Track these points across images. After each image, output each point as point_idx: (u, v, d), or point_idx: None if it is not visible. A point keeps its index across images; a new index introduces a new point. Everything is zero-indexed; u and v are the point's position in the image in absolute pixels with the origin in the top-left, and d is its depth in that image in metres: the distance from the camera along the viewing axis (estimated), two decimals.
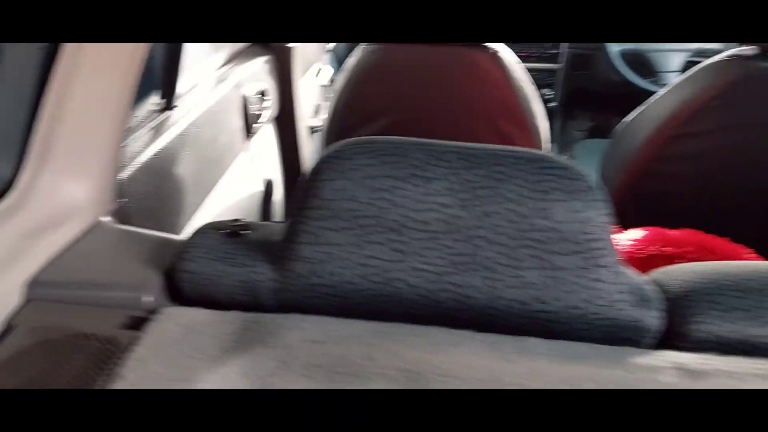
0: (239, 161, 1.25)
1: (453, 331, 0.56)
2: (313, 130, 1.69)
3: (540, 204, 0.55)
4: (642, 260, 0.81)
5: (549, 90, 1.98)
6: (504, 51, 1.25)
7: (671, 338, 0.57)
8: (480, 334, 0.56)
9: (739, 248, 0.87)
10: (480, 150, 0.57)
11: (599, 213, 0.55)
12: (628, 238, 0.85)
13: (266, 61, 1.45)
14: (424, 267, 0.56)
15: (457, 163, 0.56)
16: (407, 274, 0.57)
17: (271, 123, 1.46)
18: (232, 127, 1.20)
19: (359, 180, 0.56)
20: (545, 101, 1.95)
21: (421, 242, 0.56)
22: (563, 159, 0.57)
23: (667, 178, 1.37)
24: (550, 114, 2.05)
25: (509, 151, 0.57)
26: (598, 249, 0.55)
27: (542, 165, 0.56)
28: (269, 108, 1.38)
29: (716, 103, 1.26)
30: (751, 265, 0.60)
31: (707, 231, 1.41)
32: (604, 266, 0.55)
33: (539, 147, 1.31)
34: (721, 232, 1.42)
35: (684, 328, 0.56)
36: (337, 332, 0.54)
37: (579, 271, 0.55)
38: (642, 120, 1.37)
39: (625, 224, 1.43)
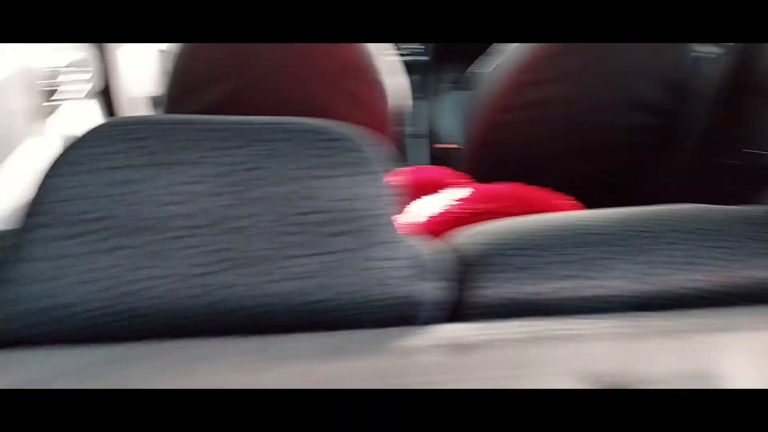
0: (25, 150, 1.10)
1: (208, 341, 0.47)
2: (154, 101, 1.55)
3: (306, 183, 0.48)
4: (467, 219, 0.77)
5: (419, 44, 1.90)
6: None
7: (463, 308, 0.53)
8: (245, 339, 0.48)
9: (559, 198, 0.84)
10: (244, 124, 0.49)
11: (372, 186, 0.49)
12: (455, 197, 0.82)
13: None
14: (173, 272, 0.48)
15: (217, 142, 0.48)
16: (151, 283, 0.48)
17: (95, 97, 1.31)
18: (9, 109, 1.04)
19: (95, 173, 0.47)
20: (415, 54, 1.88)
21: (169, 242, 0.48)
22: (344, 127, 0.51)
23: (518, 128, 1.34)
24: (423, 67, 1.99)
25: (276, 123, 0.50)
26: (372, 226, 0.49)
27: (314, 137, 0.49)
28: (87, 80, 1.24)
29: (562, 48, 1.23)
30: (546, 218, 0.56)
31: (556, 182, 1.41)
32: (378, 243, 0.49)
33: (386, 105, 1.25)
34: (567, 182, 1.42)
35: (474, 295, 0.52)
36: (66, 365, 0.45)
37: (349, 252, 0.49)
38: (498, 68, 1.33)
39: (481, 178, 1.40)
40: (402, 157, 1.79)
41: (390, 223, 0.50)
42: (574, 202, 0.86)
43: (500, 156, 1.41)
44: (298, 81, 1.19)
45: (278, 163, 0.48)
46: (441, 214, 0.79)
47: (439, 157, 1.66)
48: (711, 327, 0.49)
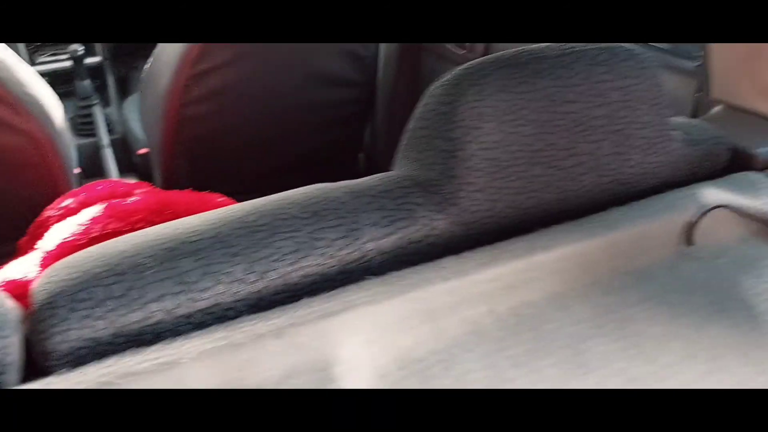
0: None
1: None
2: None
3: None
4: (84, 247, 0.66)
5: (80, 45, 1.70)
6: None
7: (38, 362, 0.43)
8: None
9: (207, 197, 0.78)
10: None
11: None
12: (80, 220, 0.70)
13: None
14: None
15: None
16: None
17: None
18: None
19: None
20: (78, 60, 1.68)
21: None
22: None
23: (202, 121, 1.27)
24: (98, 69, 1.80)
25: None
26: None
27: None
28: None
29: None
30: (134, 237, 0.49)
31: (264, 168, 1.35)
32: None
33: (45, 122, 1.10)
34: (277, 167, 1.37)
35: (46, 345, 0.42)
36: None
37: None
38: (162, 63, 1.23)
39: (180, 179, 1.31)
40: (97, 171, 1.62)
41: None
42: (230, 199, 0.80)
43: (200, 152, 1.32)
44: None
45: None
46: (58, 245, 0.67)
47: (141, 165, 1.53)
48: (327, 312, 0.46)
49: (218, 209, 0.53)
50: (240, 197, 1.02)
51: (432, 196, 0.54)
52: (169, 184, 1.33)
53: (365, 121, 1.48)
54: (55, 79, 1.63)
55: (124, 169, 1.61)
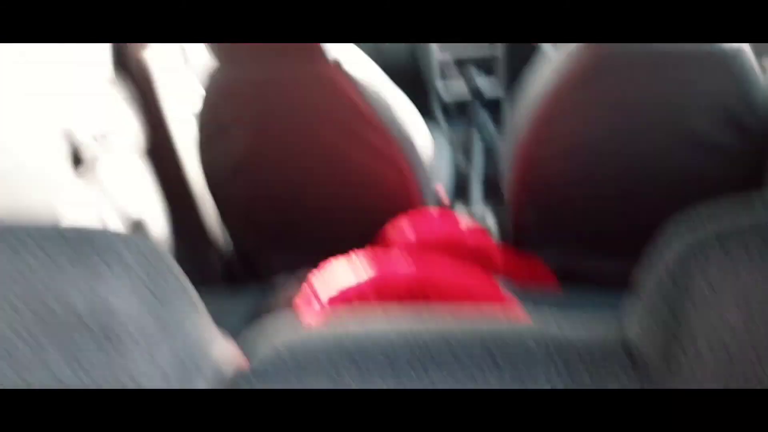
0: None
1: None
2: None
3: (54, 281, 0.41)
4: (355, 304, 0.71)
5: (488, 78, 1.83)
6: (348, 57, 1.16)
7: None
8: None
9: (471, 282, 0.75)
10: None
11: (120, 286, 0.42)
12: (348, 282, 0.75)
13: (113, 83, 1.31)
14: None
15: None
16: None
17: (141, 156, 1.37)
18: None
19: None
20: (478, 94, 1.81)
21: None
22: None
23: (554, 176, 1.25)
24: (496, 107, 1.90)
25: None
26: (123, 334, 0.41)
27: (57, 234, 0.43)
28: (132, 138, 1.32)
29: (592, 75, 1.13)
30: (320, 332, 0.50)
31: (603, 225, 1.27)
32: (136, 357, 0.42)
33: (409, 157, 1.23)
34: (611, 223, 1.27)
35: None
36: None
37: (105, 366, 0.41)
38: (536, 88, 1.25)
39: (528, 227, 1.31)
40: (461, 195, 1.72)
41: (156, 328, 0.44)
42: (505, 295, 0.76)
43: (543, 204, 1.30)
44: (315, 134, 1.21)
45: (22, 262, 0.41)
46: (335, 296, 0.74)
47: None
48: None
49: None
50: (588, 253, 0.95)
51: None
52: (518, 230, 1.35)
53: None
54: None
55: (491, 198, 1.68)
